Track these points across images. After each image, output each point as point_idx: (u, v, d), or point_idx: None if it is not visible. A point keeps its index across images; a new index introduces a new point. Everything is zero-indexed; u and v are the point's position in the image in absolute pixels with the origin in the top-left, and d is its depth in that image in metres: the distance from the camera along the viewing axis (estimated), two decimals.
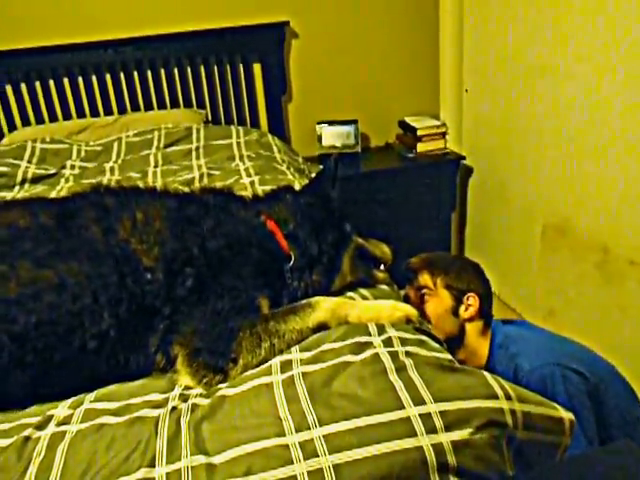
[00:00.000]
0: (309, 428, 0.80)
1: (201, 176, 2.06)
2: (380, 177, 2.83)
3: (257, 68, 2.81)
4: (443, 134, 2.96)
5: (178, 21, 2.63)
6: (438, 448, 0.80)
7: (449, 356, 1.00)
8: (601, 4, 1.93)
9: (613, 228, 2.06)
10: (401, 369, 0.91)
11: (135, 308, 1.01)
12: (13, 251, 1.01)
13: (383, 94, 3.04)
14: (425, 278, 1.59)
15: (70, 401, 0.91)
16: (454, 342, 1.51)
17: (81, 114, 2.68)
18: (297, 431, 0.80)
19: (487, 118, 2.78)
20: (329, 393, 0.86)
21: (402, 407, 0.83)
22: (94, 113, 2.68)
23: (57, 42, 2.53)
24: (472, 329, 1.54)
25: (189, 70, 2.72)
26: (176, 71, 2.71)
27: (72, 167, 2.26)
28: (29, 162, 2.23)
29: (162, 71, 2.70)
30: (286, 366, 0.94)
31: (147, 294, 1.02)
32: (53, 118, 2.65)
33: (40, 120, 2.64)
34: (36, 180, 2.18)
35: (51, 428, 0.84)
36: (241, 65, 2.76)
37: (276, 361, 0.96)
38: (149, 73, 2.69)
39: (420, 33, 2.93)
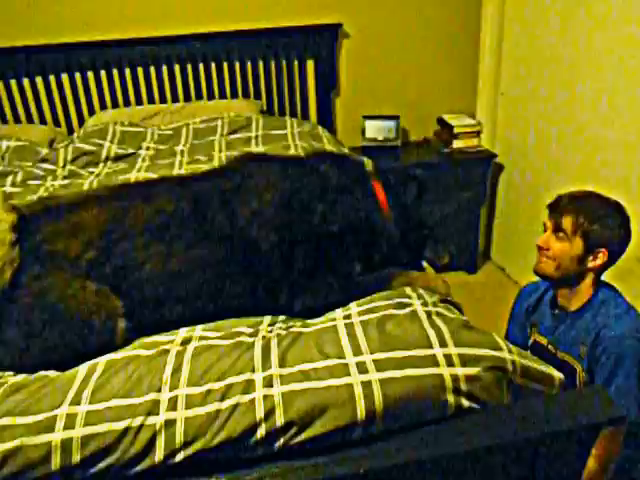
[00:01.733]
0: (362, 354, 1.09)
1: None
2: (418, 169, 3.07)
3: (310, 64, 3.08)
4: (478, 132, 3.19)
5: (242, 19, 2.91)
6: (454, 377, 1.08)
7: (466, 318, 1.28)
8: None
9: None
10: (432, 322, 1.19)
11: (258, 285, 1.27)
12: (166, 234, 1.23)
13: (424, 92, 3.28)
14: (567, 222, 1.55)
15: (187, 329, 1.23)
16: (565, 282, 1.59)
17: (151, 100, 3.00)
18: (354, 355, 1.09)
19: (521, 120, 3.00)
20: (378, 333, 1.15)
21: (431, 347, 1.12)
22: (162, 100, 3.00)
23: (130, 36, 2.86)
24: (588, 278, 1.59)
25: (249, 64, 3.01)
26: (237, 64, 3.00)
27: (147, 148, 2.58)
28: (111, 142, 2.55)
29: (225, 64, 2.99)
30: (347, 315, 1.23)
31: (267, 274, 1.27)
32: (127, 103, 2.98)
33: (115, 105, 2.98)
34: (117, 159, 2.50)
35: (176, 346, 1.15)
36: (296, 61, 3.04)
37: (339, 311, 1.25)
38: (213, 65, 2.99)
39: (462, 38, 3.16)
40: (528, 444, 1.06)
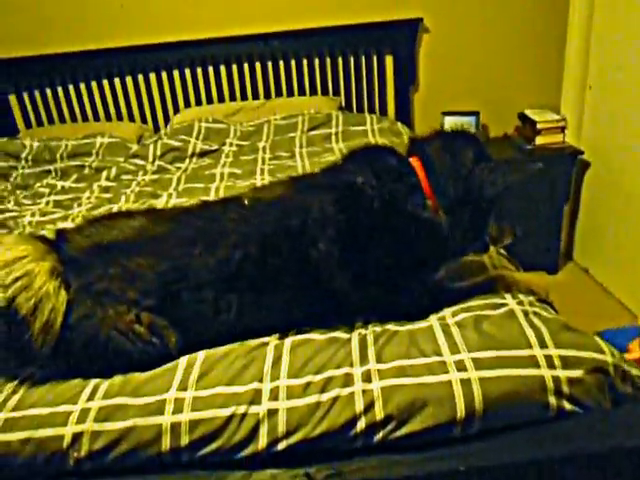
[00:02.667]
0: (460, 352, 1.09)
1: None
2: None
3: (389, 60, 3.06)
4: (562, 128, 3.06)
5: (321, 16, 2.94)
6: (556, 379, 1.05)
7: (564, 320, 1.24)
8: None
9: None
10: (530, 322, 1.17)
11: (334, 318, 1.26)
12: (238, 283, 1.17)
13: (504, 87, 3.18)
14: None
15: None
16: None
17: (232, 98, 3.08)
18: (452, 353, 1.08)
19: (609, 115, 2.86)
20: (475, 332, 1.14)
21: (531, 347, 1.09)
22: (244, 97, 3.08)
23: (214, 35, 2.95)
24: None
25: (328, 61, 3.03)
26: (317, 61, 3.03)
27: (230, 145, 2.66)
28: (196, 138, 2.65)
29: (304, 61, 3.03)
30: (441, 317, 1.23)
31: (348, 313, 1.26)
32: (209, 101, 3.08)
33: (199, 102, 3.08)
34: (202, 154, 2.60)
35: (274, 340, 1.19)
36: (375, 57, 3.03)
37: (433, 317, 1.24)
38: (293, 63, 3.03)
39: (547, 29, 3.05)
40: (633, 453, 1.02)
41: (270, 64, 3.03)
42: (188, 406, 1.03)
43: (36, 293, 1.08)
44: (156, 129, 3.08)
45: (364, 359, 1.10)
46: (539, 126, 3.03)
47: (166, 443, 1.01)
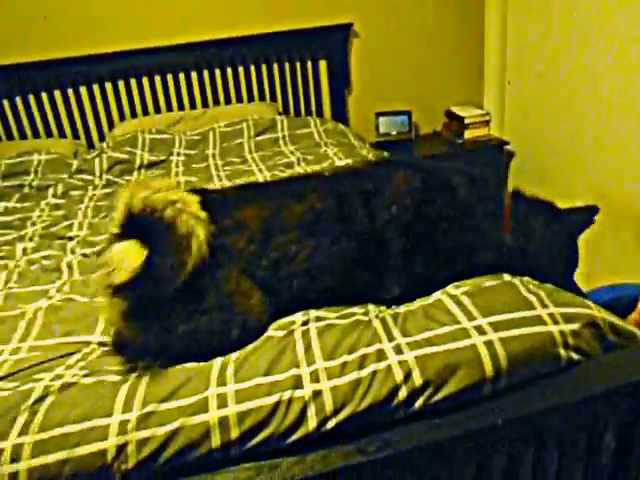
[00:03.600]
0: (476, 318, 1.17)
1: (298, 160, 2.41)
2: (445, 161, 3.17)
3: (323, 64, 3.16)
4: (487, 122, 3.31)
5: (255, 24, 2.98)
6: (562, 333, 1.16)
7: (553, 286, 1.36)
8: None
9: None
10: (527, 288, 1.27)
11: (378, 279, 1.34)
12: (317, 229, 1.29)
13: (432, 86, 3.39)
14: None
15: (301, 312, 1.27)
16: None
17: (169, 109, 3.04)
18: (469, 320, 1.16)
19: (528, 106, 3.13)
20: (484, 300, 1.23)
21: (534, 308, 1.20)
22: (180, 107, 3.04)
23: (146, 45, 2.89)
24: None
25: (264, 67, 3.07)
26: (253, 68, 3.06)
27: (178, 154, 2.62)
28: (142, 150, 2.59)
29: (240, 68, 3.05)
30: (445, 292, 1.30)
31: (389, 275, 1.33)
32: (145, 113, 3.01)
33: (134, 115, 3.00)
34: (150, 165, 2.54)
35: (299, 327, 1.21)
36: (309, 62, 3.11)
37: (437, 293, 1.32)
38: (229, 70, 3.04)
39: (467, 30, 3.29)
40: (636, 387, 1.14)
41: (206, 72, 3.02)
42: (232, 399, 1.03)
43: (192, 216, 1.14)
44: (90, 144, 2.97)
45: (391, 336, 1.15)
46: (466, 121, 3.25)
47: (216, 439, 1.00)
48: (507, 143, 3.26)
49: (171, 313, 1.17)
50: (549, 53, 2.83)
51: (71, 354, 1.23)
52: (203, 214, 1.18)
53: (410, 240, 1.32)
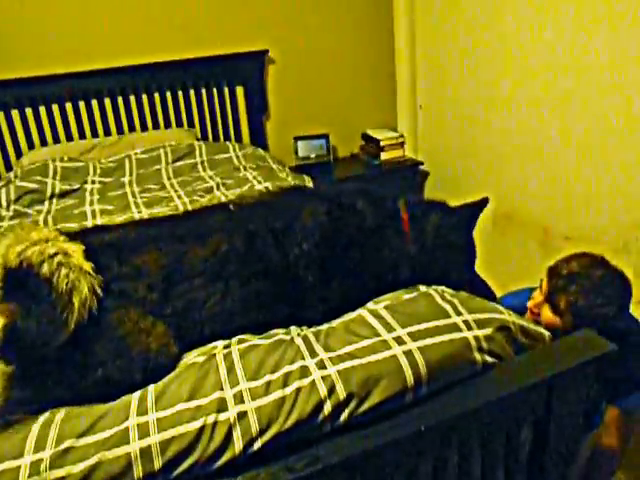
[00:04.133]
0: (395, 330, 1.20)
1: (217, 185, 2.39)
2: (351, 182, 3.26)
3: (240, 90, 3.18)
4: (402, 144, 3.44)
5: (171, 50, 2.96)
6: (476, 338, 1.22)
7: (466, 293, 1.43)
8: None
9: (551, 211, 2.59)
10: (443, 297, 1.33)
11: (296, 312, 1.34)
12: (224, 272, 1.26)
13: (348, 110, 3.49)
14: (562, 301, 1.55)
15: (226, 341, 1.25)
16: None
17: (82, 135, 2.94)
18: (388, 332, 1.20)
19: (440, 129, 3.30)
20: (402, 312, 1.27)
21: (449, 316, 1.25)
22: (94, 134, 2.96)
23: (59, 71, 2.80)
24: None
25: (180, 94, 3.05)
26: (169, 94, 3.04)
27: (93, 182, 2.54)
28: (54, 179, 2.48)
29: (156, 95, 3.01)
30: (367, 307, 1.34)
31: (307, 305, 1.34)
32: (56, 141, 2.90)
33: (44, 143, 2.88)
34: (63, 195, 2.44)
35: (220, 351, 1.18)
36: (226, 88, 3.13)
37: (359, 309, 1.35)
38: (144, 97, 3.00)
39: (379, 56, 3.43)
40: (547, 383, 1.22)
41: (120, 99, 2.96)
42: (154, 428, 1.00)
43: (73, 270, 1.07)
44: None
45: (313, 352, 1.16)
46: (382, 143, 3.37)
47: (139, 470, 0.96)
48: (421, 163, 3.41)
49: (63, 373, 1.11)
50: (458, 76, 3.01)
51: None
52: (87, 265, 1.12)
53: (324, 272, 1.34)
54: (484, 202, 1.58)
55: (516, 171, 2.75)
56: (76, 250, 1.12)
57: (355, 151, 3.59)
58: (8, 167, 2.83)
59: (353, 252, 1.37)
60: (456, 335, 1.21)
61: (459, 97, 3.03)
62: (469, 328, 1.23)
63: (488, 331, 1.25)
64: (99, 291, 1.13)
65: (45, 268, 1.06)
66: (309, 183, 2.61)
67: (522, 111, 2.62)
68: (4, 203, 2.32)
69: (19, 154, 2.85)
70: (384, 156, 3.39)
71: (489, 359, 1.22)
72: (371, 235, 1.40)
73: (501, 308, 1.34)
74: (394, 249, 1.42)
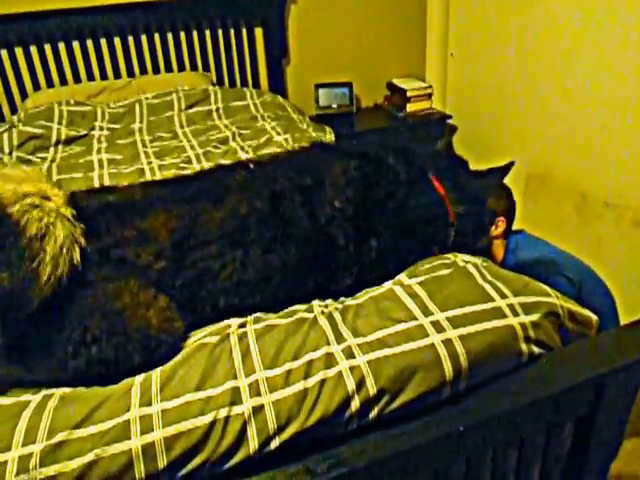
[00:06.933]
0: (433, 313, 1.06)
1: (233, 135, 2.22)
2: (373, 135, 3.06)
3: (259, 32, 2.95)
4: (429, 95, 3.21)
5: None
6: (523, 326, 1.07)
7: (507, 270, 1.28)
8: None
9: (590, 174, 2.39)
10: (483, 276, 1.18)
11: (325, 276, 1.21)
12: (243, 239, 1.12)
13: (373, 57, 3.25)
14: None
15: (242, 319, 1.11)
16: (482, 252, 1.70)
17: (91, 77, 2.75)
18: (425, 315, 1.06)
19: (471, 79, 3.05)
20: (440, 292, 1.12)
21: (493, 300, 1.11)
22: (103, 76, 2.76)
23: (63, 6, 2.59)
24: (497, 243, 1.84)
25: (195, 34, 2.83)
26: (183, 35, 2.82)
27: (101, 128, 2.37)
28: (59, 124, 2.32)
29: (169, 35, 2.80)
30: (399, 282, 1.19)
31: (339, 269, 1.21)
32: (63, 82, 2.72)
33: (50, 85, 2.70)
34: (69, 141, 2.29)
35: (235, 331, 1.05)
36: (244, 29, 2.90)
37: (388, 283, 1.21)
38: (157, 37, 2.78)
39: (409, 1, 3.15)
40: (598, 381, 1.08)
41: (131, 38, 2.74)
42: (158, 422, 0.88)
43: (50, 213, 0.92)
44: (0, 117, 2.65)
45: (339, 336, 1.03)
46: (409, 94, 3.14)
47: (140, 470, 0.85)
48: (450, 117, 3.18)
49: (49, 349, 0.97)
50: (493, 24, 2.75)
51: None
52: (67, 210, 0.98)
53: (358, 230, 1.21)
54: (509, 166, 1.48)
55: (552, 129, 2.53)
56: (58, 194, 0.98)
57: (379, 101, 3.37)
58: (13, 110, 2.66)
59: (390, 207, 1.24)
60: (501, 322, 1.06)
61: (493, 46, 2.78)
62: (515, 314, 1.09)
63: (535, 317, 1.10)
64: (82, 241, 0.98)
65: (16, 207, 0.91)
66: (330, 135, 2.43)
67: (567, 66, 2.37)
68: (6, 149, 2.17)
69: (24, 96, 2.67)
70: (410, 108, 3.17)
71: (536, 349, 1.08)
72: (407, 190, 1.27)
73: (547, 288, 1.19)
74: (430, 207, 1.31)
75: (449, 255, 1.29)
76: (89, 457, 0.84)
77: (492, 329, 1.05)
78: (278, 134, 2.20)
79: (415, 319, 1.05)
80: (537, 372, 1.06)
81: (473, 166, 1.52)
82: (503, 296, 1.12)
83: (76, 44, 2.68)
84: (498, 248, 1.85)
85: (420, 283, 1.16)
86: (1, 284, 0.90)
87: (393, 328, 1.03)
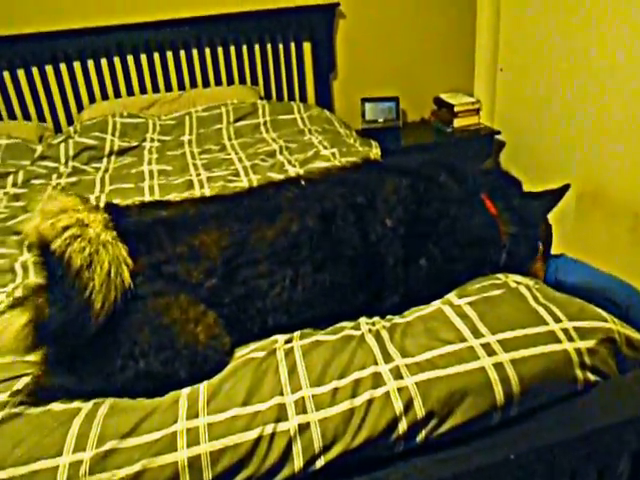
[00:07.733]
0: (484, 336, 1.03)
1: (280, 148, 2.24)
2: (420, 150, 3.03)
3: (307, 46, 2.98)
4: (477, 110, 3.17)
5: (236, 1, 2.78)
6: (578, 351, 1.03)
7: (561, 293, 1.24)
8: None
9: None
10: (536, 298, 1.14)
11: (377, 295, 1.19)
12: (294, 257, 1.12)
13: (420, 72, 3.23)
14: None
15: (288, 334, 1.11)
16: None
17: (143, 90, 2.83)
18: (475, 337, 1.03)
19: (520, 95, 2.99)
20: (491, 313, 1.09)
21: (546, 323, 1.07)
22: (155, 90, 2.84)
23: (118, 22, 2.68)
24: (537, 267, 1.76)
25: (245, 48, 2.88)
26: (233, 49, 2.87)
27: (152, 140, 2.43)
28: (113, 135, 2.39)
29: (220, 49, 2.86)
30: (448, 302, 1.17)
31: (387, 288, 1.19)
32: (117, 95, 2.81)
33: (105, 97, 2.80)
34: (121, 152, 2.35)
35: (282, 346, 1.06)
36: (293, 43, 2.93)
37: (437, 302, 1.18)
38: (207, 51, 2.85)
39: (458, 15, 3.13)
40: None
41: (183, 53, 2.82)
42: (205, 435, 0.89)
43: (92, 242, 0.94)
44: (57, 128, 2.76)
45: (387, 355, 1.01)
46: (456, 109, 3.10)
47: None
48: (498, 132, 3.13)
49: (99, 362, 1.00)
50: (544, 38, 2.69)
51: (19, 377, 1.06)
52: (108, 234, 0.99)
53: (408, 250, 1.19)
54: (564, 189, 1.41)
55: (605, 147, 2.45)
56: (95, 220, 0.99)
57: (426, 116, 3.34)
58: (70, 121, 2.77)
59: (441, 226, 1.21)
60: (555, 347, 1.03)
61: (544, 60, 2.71)
62: (569, 339, 1.05)
63: (591, 343, 1.06)
64: (129, 262, 1.00)
65: (57, 244, 0.93)
66: (377, 149, 2.43)
67: (621, 80, 2.30)
68: (63, 159, 2.25)
69: (80, 108, 2.77)
70: (457, 123, 3.13)
71: (592, 377, 1.04)
72: (459, 209, 1.24)
73: (603, 313, 1.14)
74: (482, 227, 1.27)
75: (500, 275, 1.26)
76: (137, 467, 0.85)
77: (546, 354, 1.01)
78: (325, 148, 2.21)
79: (465, 340, 1.03)
80: (594, 401, 1.01)
81: (524, 183, 1.48)
82: (557, 320, 1.08)
83: (130, 58, 2.76)
84: (539, 272, 1.78)
85: (470, 303, 1.14)
86: (57, 317, 0.93)
87: (442, 349, 1.01)
